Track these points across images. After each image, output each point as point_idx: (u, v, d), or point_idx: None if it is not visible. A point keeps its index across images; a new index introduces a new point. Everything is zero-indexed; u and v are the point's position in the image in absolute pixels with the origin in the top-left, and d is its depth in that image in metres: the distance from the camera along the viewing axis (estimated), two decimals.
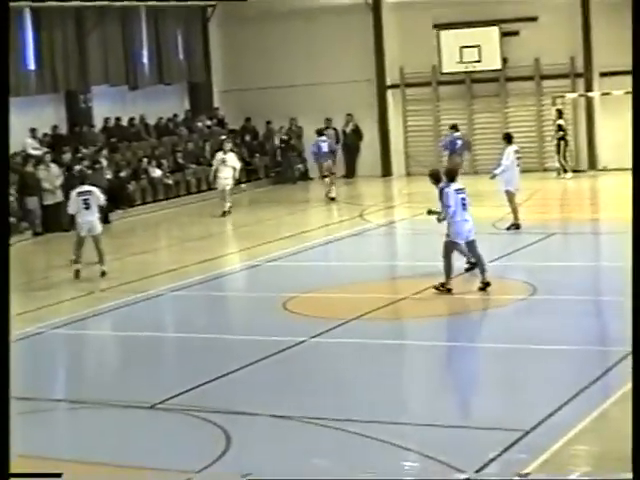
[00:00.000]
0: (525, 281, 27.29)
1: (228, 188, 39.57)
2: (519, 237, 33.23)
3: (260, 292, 28.71)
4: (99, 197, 31.64)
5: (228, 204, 39.22)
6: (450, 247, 25.88)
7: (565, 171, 45.61)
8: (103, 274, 30.93)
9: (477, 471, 14.42)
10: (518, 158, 33.81)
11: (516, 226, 34.03)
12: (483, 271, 25.69)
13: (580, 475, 10.39)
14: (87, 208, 31.10)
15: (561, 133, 45.99)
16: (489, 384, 20.00)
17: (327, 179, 46.46)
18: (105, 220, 40.46)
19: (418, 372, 21.47)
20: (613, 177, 44.79)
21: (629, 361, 19.06)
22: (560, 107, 46.14)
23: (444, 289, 25.44)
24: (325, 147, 47.08)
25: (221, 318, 27.79)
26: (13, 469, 14.53)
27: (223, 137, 48.90)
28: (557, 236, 33.84)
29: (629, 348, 19.77)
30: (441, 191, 26.34)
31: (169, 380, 20.16)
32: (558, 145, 45.95)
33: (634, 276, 8.92)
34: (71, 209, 32.25)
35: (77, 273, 30.76)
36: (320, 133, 47.50)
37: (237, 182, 43.39)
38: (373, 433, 16.20)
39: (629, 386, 17.87)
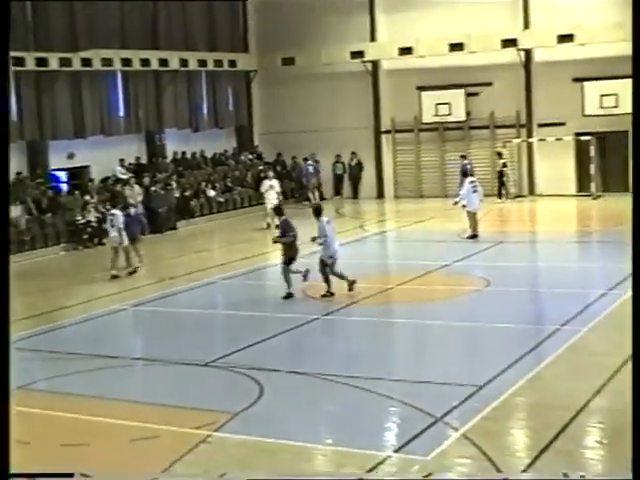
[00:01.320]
0: (481, 276, 27.55)
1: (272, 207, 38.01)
2: (476, 244, 33.46)
3: (281, 281, 28.83)
4: (119, 218, 31.02)
5: (269, 219, 37.93)
6: (324, 265, 25.42)
7: (500, 197, 45.58)
8: (131, 272, 30.84)
9: (442, 417, 14.70)
10: (474, 186, 33.52)
11: (474, 236, 33.92)
12: (332, 281, 25.61)
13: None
14: (112, 226, 30.84)
15: (505, 169, 45.94)
16: (453, 352, 20.68)
17: (312, 194, 48.42)
18: (173, 227, 40.77)
19: (401, 342, 21.99)
20: (547, 201, 45.45)
21: (557, 336, 19.52)
22: (500, 150, 46.31)
23: (328, 294, 25.19)
24: (311, 169, 49.20)
25: (258, 300, 27.98)
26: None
27: (261, 167, 49.28)
28: (504, 244, 33.89)
29: (557, 326, 20.05)
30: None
31: (218, 345, 20.59)
32: (499, 178, 45.90)
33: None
34: (108, 227, 31.72)
35: (113, 277, 30.24)
36: (306, 160, 50.09)
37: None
38: (368, 386, 16.75)
39: (557, 354, 18.17)
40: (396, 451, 13.86)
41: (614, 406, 15.48)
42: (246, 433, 14.70)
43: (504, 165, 46.30)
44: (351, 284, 25.14)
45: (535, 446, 13.82)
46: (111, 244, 31.25)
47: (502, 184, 46.31)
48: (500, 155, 46.42)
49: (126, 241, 30.94)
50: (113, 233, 30.92)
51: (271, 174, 41.49)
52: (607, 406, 15.53)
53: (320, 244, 25.50)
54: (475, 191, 34.32)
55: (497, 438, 14.24)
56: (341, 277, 25.27)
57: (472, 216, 34.06)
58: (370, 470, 13.02)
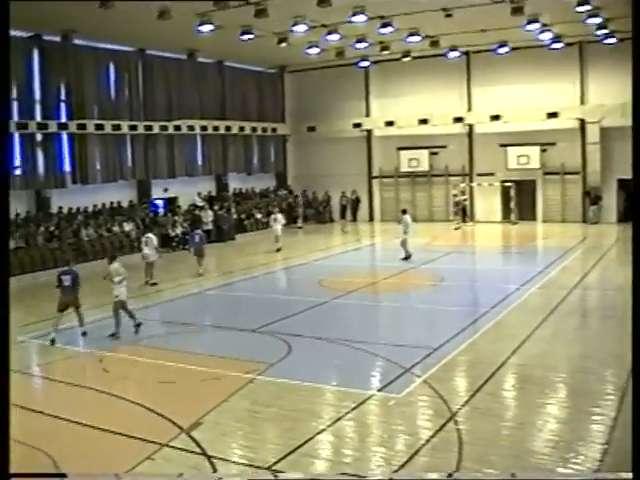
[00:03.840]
0: (438, 275, 27.39)
1: (280, 234, 36.30)
2: (434, 254, 33.03)
3: (307, 275, 28.91)
4: (153, 240, 27.95)
5: (280, 244, 35.89)
6: (119, 305, 19.07)
7: (464, 221, 45.29)
8: (153, 284, 27.05)
9: (410, 368, 14.75)
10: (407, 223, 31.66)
11: (407, 257, 30.87)
12: (133, 318, 19.31)
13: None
14: (146, 245, 27.79)
15: (466, 203, 45.87)
16: (418, 325, 20.60)
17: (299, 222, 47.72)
18: (232, 238, 40.84)
19: (382, 318, 21.91)
20: (484, 225, 44.99)
21: (487, 315, 19.68)
22: (455, 192, 45.85)
23: (115, 336, 18.82)
24: (301, 201, 49.29)
25: (287, 288, 28.11)
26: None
27: (290, 199, 49.16)
28: (454, 254, 33.71)
29: (487, 309, 20.01)
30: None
31: (261, 318, 20.46)
32: (462, 209, 45.75)
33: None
34: (143, 246, 28.06)
35: (146, 283, 27.18)
36: (296, 196, 50.49)
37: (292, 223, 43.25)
38: (363, 347, 16.76)
39: (486, 327, 18.24)
40: (379, 390, 13.95)
41: (523, 362, 15.58)
42: (279, 377, 14.76)
43: (465, 200, 46.22)
44: (138, 325, 19.34)
45: (471, 389, 13.86)
46: (146, 260, 27.66)
47: (464, 213, 46.01)
48: (463, 193, 46.09)
49: (156, 257, 27.86)
50: (148, 251, 27.62)
51: (276, 210, 39.89)
52: (518, 362, 15.54)
53: (118, 283, 19.20)
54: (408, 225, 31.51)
55: (446, 383, 14.25)
56: (131, 316, 19.37)
57: (405, 243, 31.10)
58: (358, 405, 13.11)
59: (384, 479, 10.37)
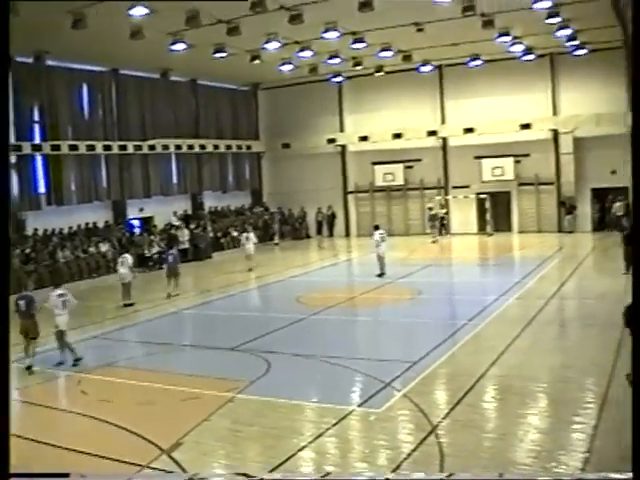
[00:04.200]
0: (416, 288, 27.35)
1: (252, 253, 35.58)
2: (411, 267, 33.03)
3: (285, 292, 28.84)
4: (129, 260, 27.38)
5: (253, 263, 35.26)
6: (59, 335, 18.19)
7: (441, 234, 45.26)
8: (130, 305, 26.40)
9: (390, 382, 14.72)
10: (382, 237, 30.77)
11: (381, 275, 30.28)
12: (72, 351, 18.25)
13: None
14: (122, 265, 27.19)
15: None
16: (397, 339, 20.51)
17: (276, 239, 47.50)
18: (209, 257, 40.71)
19: (362, 333, 21.83)
20: (460, 237, 45.13)
21: (466, 328, 19.66)
22: (430, 205, 45.91)
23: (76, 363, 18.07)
24: (277, 218, 48.75)
25: (265, 305, 27.97)
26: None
27: (266, 216, 49.12)
28: (431, 267, 33.75)
29: (466, 321, 20.03)
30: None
31: (239, 336, 20.36)
32: (441, 222, 45.86)
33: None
34: (119, 266, 27.57)
35: (125, 305, 26.55)
36: (272, 213, 50.01)
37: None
38: (342, 363, 16.71)
39: (465, 339, 18.23)
40: (359, 406, 13.85)
41: (503, 373, 15.57)
42: (259, 394, 14.66)
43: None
44: (77, 359, 18.22)
45: (451, 401, 13.82)
46: (122, 280, 27.03)
47: (443, 226, 46.16)
48: (442, 206, 46.27)
49: (131, 277, 27.14)
50: (123, 271, 27.06)
51: (250, 228, 39.08)
52: (498, 373, 15.54)
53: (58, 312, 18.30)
54: (383, 240, 30.63)
55: (426, 396, 14.21)
56: (70, 349, 18.42)
57: (381, 259, 30.48)
58: (339, 420, 13.06)
59: (379, 479, 10.38)
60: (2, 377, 6.71)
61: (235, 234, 44.82)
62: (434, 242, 43.28)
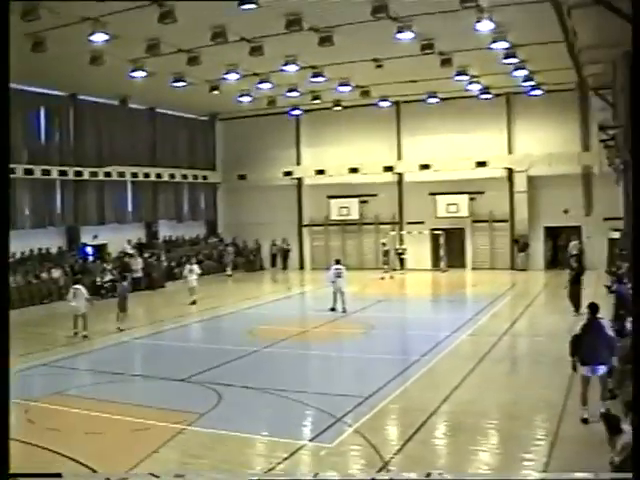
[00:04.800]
0: (368, 322, 27.32)
1: (195, 285, 34.20)
2: (364, 302, 33.01)
3: (238, 324, 28.66)
4: (82, 291, 26.09)
5: (195, 296, 33.76)
6: None
7: (402, 268, 45.52)
8: (84, 337, 25.40)
9: (341, 417, 14.64)
10: (338, 273, 29.89)
11: (333, 309, 29.68)
12: None
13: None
14: (74, 297, 25.93)
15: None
16: (349, 374, 20.44)
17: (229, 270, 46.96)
18: (162, 286, 40.41)
19: (313, 367, 21.73)
20: (414, 273, 45.17)
21: (419, 363, 19.62)
22: (383, 241, 46.04)
23: None
24: (230, 250, 48.26)
25: (217, 337, 27.66)
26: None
27: (221, 247, 48.86)
28: (384, 302, 33.76)
29: (418, 357, 20.04)
30: None
31: (190, 367, 20.12)
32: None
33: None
34: (69, 298, 26.54)
35: (75, 334, 25.63)
36: (227, 245, 49.79)
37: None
38: (293, 397, 16.62)
39: (418, 375, 18.22)
40: (310, 440, 13.75)
41: (455, 409, 15.59)
42: (209, 427, 14.50)
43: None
44: None
45: (403, 437, 13.77)
46: (75, 312, 25.80)
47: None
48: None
49: (86, 309, 25.92)
50: (75, 304, 25.80)
51: (194, 260, 37.94)
52: (450, 409, 15.55)
53: None
54: (339, 276, 29.79)
55: (378, 432, 14.16)
56: None
57: (342, 294, 29.70)
58: (290, 455, 12.94)
59: (366, 479, 10.30)
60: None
61: (191, 264, 44.62)
62: (382, 279, 43.08)
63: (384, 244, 45.92)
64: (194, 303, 33.57)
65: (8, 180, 7.41)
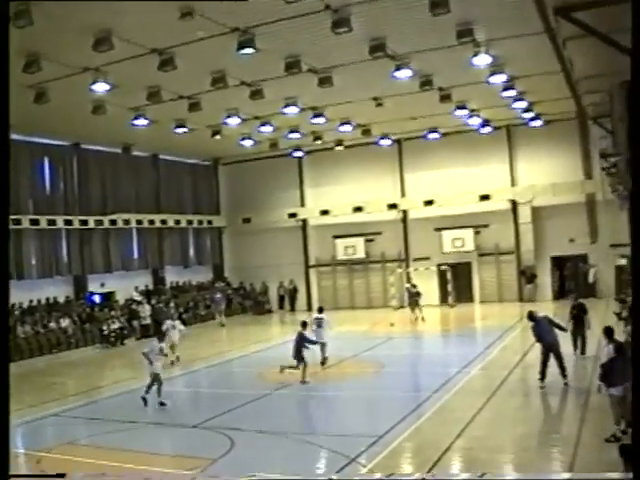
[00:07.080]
0: (379, 362, 27.17)
1: (177, 343, 29.74)
2: (374, 340, 32.97)
3: (248, 367, 28.52)
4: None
5: (177, 354, 29.57)
6: None
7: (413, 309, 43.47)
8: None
9: (355, 457, 14.52)
10: (319, 322, 27.48)
11: (322, 363, 26.66)
12: None
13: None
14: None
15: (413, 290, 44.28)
16: (362, 413, 20.31)
17: (220, 316, 44.09)
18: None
19: (327, 407, 21.48)
20: (423, 309, 44.54)
21: (431, 400, 19.35)
22: (410, 276, 45.97)
23: None
24: (219, 295, 45.33)
25: (227, 381, 27.46)
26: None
27: (229, 291, 48.79)
28: (394, 339, 33.56)
29: (430, 393, 19.81)
30: None
31: (202, 413, 20.03)
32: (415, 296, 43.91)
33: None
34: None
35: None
36: (216, 289, 47.90)
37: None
38: (307, 438, 16.48)
39: (431, 412, 18.00)
40: None
41: (469, 445, 15.42)
42: (222, 473, 14.37)
43: (416, 290, 41.93)
44: None
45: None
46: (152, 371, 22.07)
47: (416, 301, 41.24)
48: (409, 279, 45.34)
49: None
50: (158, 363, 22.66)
51: (176, 315, 36.37)
52: (464, 445, 15.41)
53: None
54: (320, 326, 27.41)
55: (393, 470, 14.03)
56: None
57: (322, 346, 26.89)
58: None
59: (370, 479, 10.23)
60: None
61: (199, 309, 44.49)
62: (416, 319, 39.84)
63: (413, 285, 42.24)
64: (178, 360, 29.71)
65: (8, 232, 7.36)
